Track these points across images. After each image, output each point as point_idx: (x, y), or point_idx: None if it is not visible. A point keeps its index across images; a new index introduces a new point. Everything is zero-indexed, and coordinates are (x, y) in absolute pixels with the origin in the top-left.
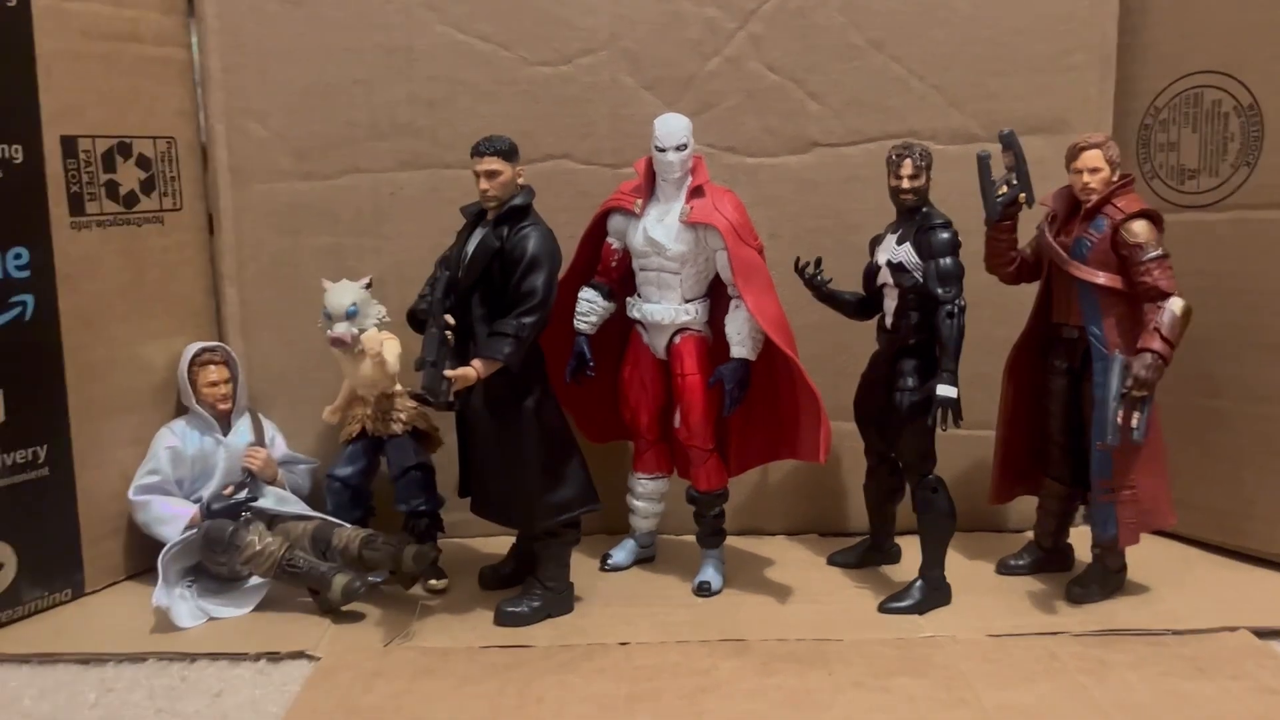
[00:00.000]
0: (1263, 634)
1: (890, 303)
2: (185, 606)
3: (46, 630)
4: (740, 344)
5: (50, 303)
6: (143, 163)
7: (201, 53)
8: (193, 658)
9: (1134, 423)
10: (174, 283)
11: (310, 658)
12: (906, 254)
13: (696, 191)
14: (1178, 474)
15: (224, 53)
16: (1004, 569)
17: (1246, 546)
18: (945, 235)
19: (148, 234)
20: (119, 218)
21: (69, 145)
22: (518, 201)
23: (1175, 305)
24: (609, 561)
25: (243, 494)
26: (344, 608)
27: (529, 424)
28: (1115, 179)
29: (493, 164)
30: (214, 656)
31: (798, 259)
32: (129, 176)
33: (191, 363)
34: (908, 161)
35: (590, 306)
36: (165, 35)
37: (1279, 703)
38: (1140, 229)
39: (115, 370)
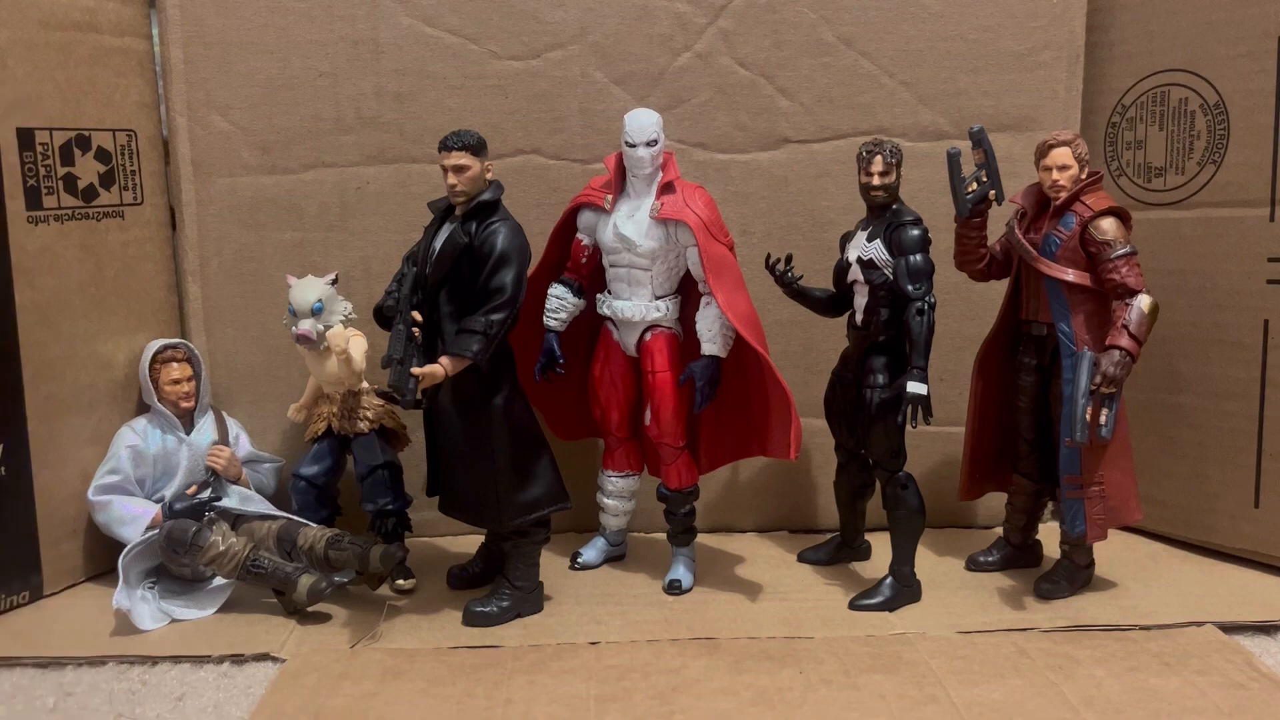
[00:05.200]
0: (1228, 628)
1: (860, 299)
2: (147, 608)
3: (3, 634)
4: (711, 341)
5: (6, 299)
6: (102, 156)
7: (162, 44)
8: (154, 660)
9: (1102, 419)
10: (134, 278)
11: (275, 660)
12: (877, 251)
13: (667, 188)
14: (1143, 470)
15: (186, 44)
16: (973, 565)
17: (1211, 541)
18: (915, 232)
19: (107, 228)
20: (78, 212)
21: (25, 137)
22: (486, 197)
23: (1143, 302)
24: (579, 560)
25: (206, 493)
26: (310, 609)
27: (498, 422)
28: (1084, 176)
29: (461, 159)
30: (176, 659)
31: (768, 256)
32: (88, 170)
33: (153, 360)
34: (878, 158)
35: (560, 303)
36: (125, 25)
37: (1245, 696)
38: (1109, 226)
39: (74, 368)
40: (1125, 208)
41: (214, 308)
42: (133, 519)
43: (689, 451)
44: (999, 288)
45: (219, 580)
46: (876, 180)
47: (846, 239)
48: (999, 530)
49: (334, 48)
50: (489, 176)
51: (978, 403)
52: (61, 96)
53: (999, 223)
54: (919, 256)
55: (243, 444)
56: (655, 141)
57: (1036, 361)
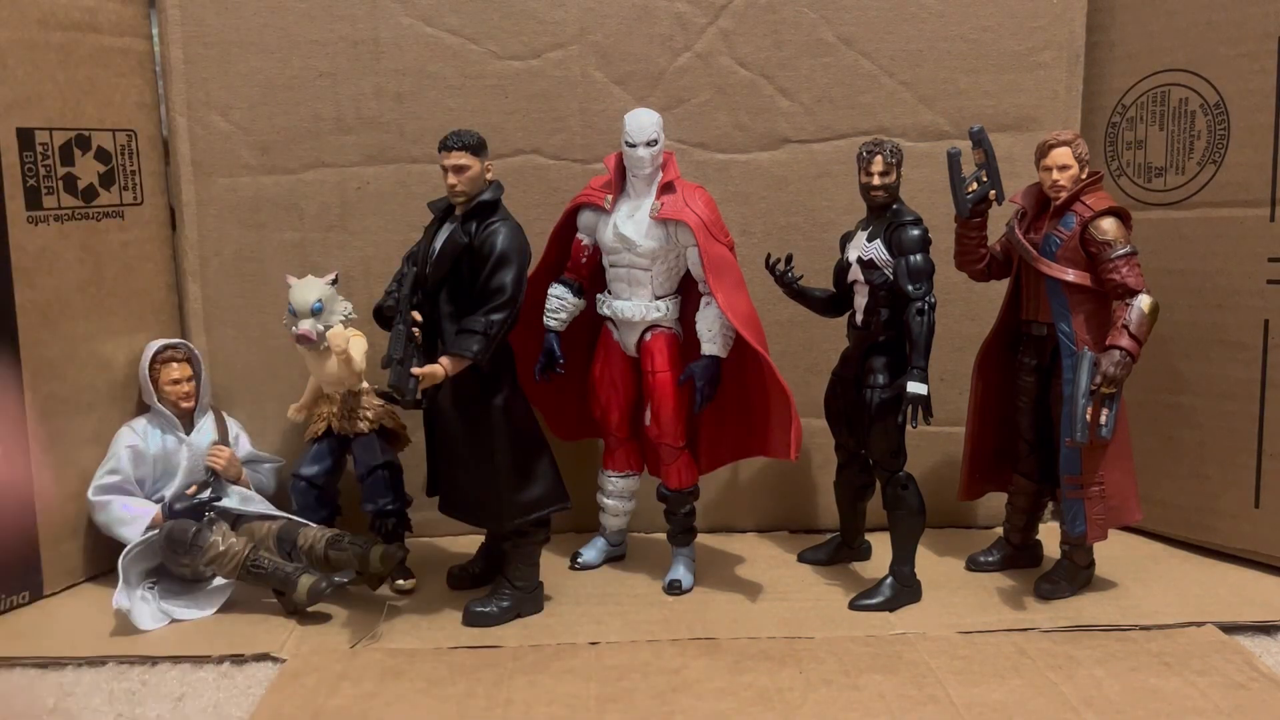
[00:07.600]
0: (1228, 628)
1: (861, 300)
2: (147, 608)
3: (3, 634)
4: (711, 341)
5: (7, 298)
6: (102, 156)
7: (162, 44)
8: (154, 661)
9: (1102, 419)
10: (134, 278)
11: (275, 660)
12: (877, 251)
13: (667, 187)
14: (1144, 470)
15: (186, 44)
16: (973, 565)
17: (1211, 542)
18: (915, 232)
19: (107, 228)
20: (78, 212)
21: (25, 137)
22: (486, 197)
23: (1143, 302)
24: (579, 560)
25: (206, 494)
26: (310, 609)
27: (498, 422)
28: (1084, 176)
29: (461, 159)
30: (176, 659)
31: (769, 256)
32: (88, 170)
33: (153, 360)
34: (878, 158)
35: (560, 303)
36: (125, 25)
37: (1245, 696)
38: (1109, 226)
39: (74, 368)
40: (1125, 208)
41: (214, 308)
42: (133, 519)
43: (689, 451)
44: (999, 288)
45: (219, 580)
46: (876, 180)
47: (846, 239)
48: (999, 530)
49: (334, 48)
50: (489, 176)
51: (978, 403)
52: (61, 96)
53: (999, 223)
54: (919, 256)
55: (242, 444)
56: (655, 141)
57: (1036, 362)
